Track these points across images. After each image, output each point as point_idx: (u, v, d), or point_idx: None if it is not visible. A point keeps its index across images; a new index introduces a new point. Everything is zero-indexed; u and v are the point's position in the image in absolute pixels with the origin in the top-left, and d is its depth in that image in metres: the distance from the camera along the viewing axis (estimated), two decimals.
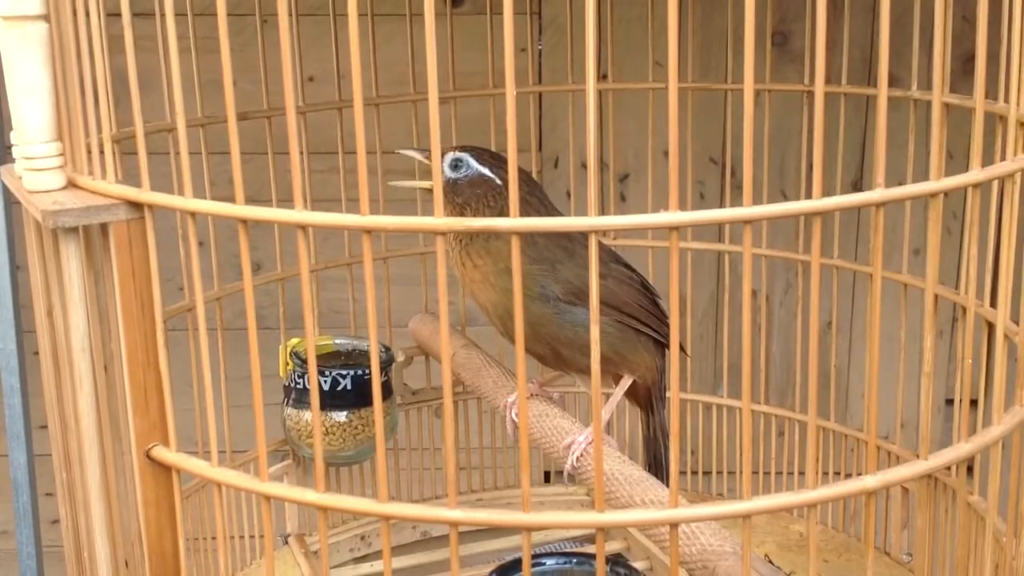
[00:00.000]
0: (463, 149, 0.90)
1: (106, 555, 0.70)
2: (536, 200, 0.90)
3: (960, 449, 0.61)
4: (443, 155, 0.88)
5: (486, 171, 0.88)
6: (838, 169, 1.06)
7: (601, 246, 0.95)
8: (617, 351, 0.91)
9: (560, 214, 0.95)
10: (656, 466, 0.98)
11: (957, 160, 1.39)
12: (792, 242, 1.17)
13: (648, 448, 0.99)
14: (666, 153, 0.53)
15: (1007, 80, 0.71)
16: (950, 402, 1.61)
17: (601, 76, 1.42)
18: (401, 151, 0.92)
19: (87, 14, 0.64)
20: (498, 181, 0.88)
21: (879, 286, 0.57)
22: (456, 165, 0.89)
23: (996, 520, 0.76)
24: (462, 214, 0.88)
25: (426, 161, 0.92)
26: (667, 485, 0.85)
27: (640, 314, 0.91)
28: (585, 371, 0.91)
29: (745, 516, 0.56)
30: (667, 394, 0.98)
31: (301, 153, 1.07)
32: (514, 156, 0.54)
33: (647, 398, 0.96)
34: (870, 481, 0.57)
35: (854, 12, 1.06)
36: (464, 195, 0.88)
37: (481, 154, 0.89)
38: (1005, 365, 0.64)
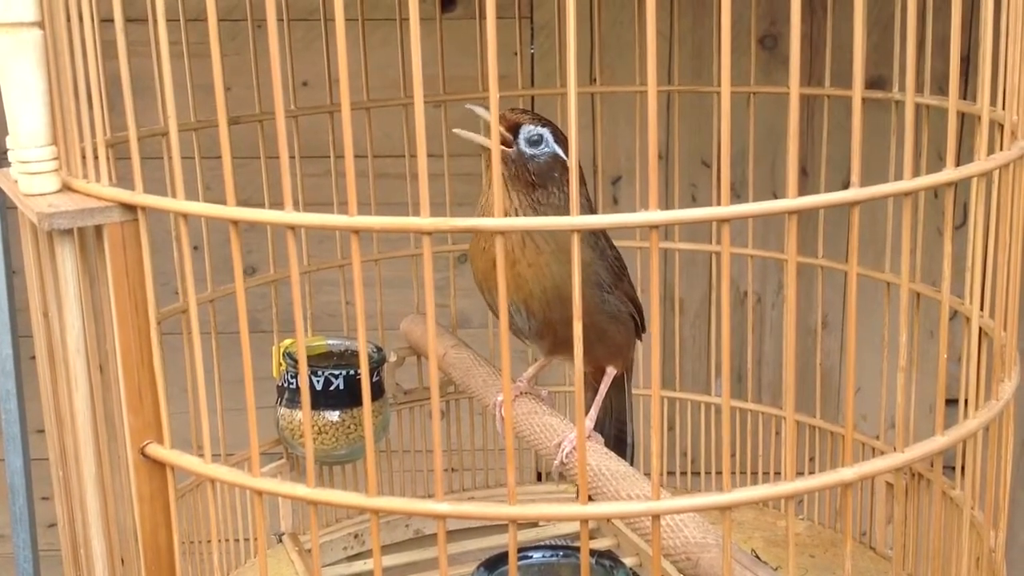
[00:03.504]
0: (541, 121, 0.87)
1: (102, 552, 0.71)
2: (585, 190, 0.90)
3: (936, 442, 0.63)
4: (520, 126, 0.86)
5: (560, 152, 0.86)
6: (822, 168, 1.08)
7: (607, 238, 0.96)
8: (627, 341, 0.94)
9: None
10: (619, 445, 0.99)
11: (946, 161, 1.41)
12: (784, 242, 1.18)
13: (607, 431, 1.00)
14: (660, 156, 0.54)
15: (999, 82, 0.72)
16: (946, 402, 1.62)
17: (590, 80, 1.43)
18: (470, 107, 0.87)
19: (80, 19, 0.65)
20: (569, 164, 0.86)
21: (855, 283, 0.58)
22: (535, 141, 0.86)
23: (975, 512, 0.77)
24: (534, 190, 0.86)
25: (486, 117, 0.85)
26: (630, 462, 0.86)
27: (639, 308, 0.94)
28: (596, 359, 0.94)
29: (725, 508, 0.58)
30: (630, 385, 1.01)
31: (293, 157, 1.09)
32: (498, 157, 0.56)
33: (618, 385, 0.98)
34: (847, 473, 0.58)
35: (842, 15, 1.07)
36: (541, 175, 0.86)
37: (556, 132, 0.87)
38: (977, 359, 0.66)
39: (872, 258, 1.13)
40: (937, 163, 0.79)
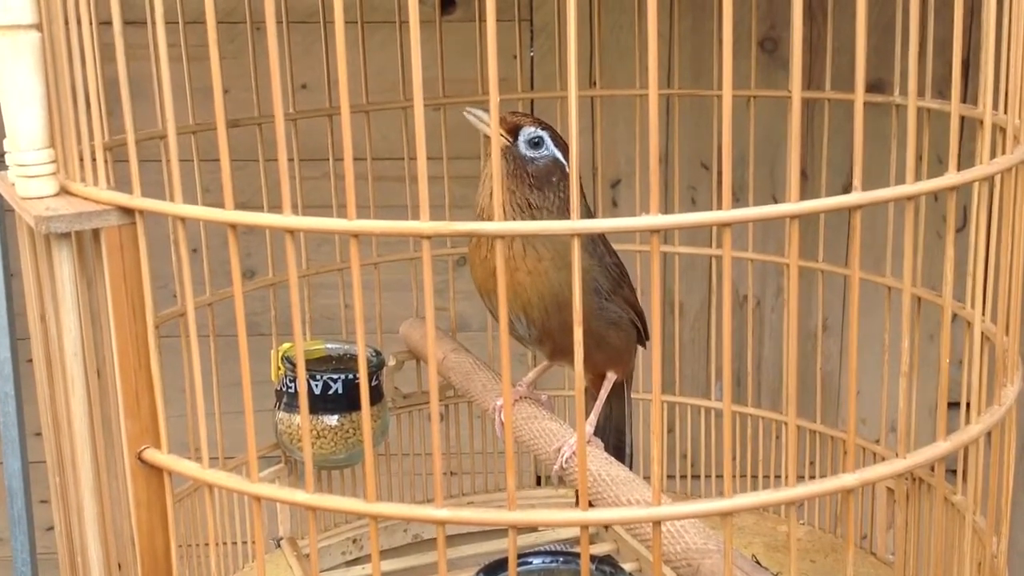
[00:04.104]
0: (541, 124, 0.86)
1: (99, 557, 0.71)
2: (584, 197, 0.90)
3: (939, 447, 0.62)
4: (520, 127, 0.86)
5: (559, 156, 0.86)
6: (823, 172, 1.07)
7: (607, 244, 0.96)
8: (627, 348, 0.93)
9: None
10: (618, 455, 0.99)
11: (946, 164, 1.41)
12: (783, 246, 1.17)
13: (607, 439, 1.00)
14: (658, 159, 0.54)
15: (996, 85, 0.72)
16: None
17: (590, 83, 1.43)
18: (467, 112, 0.86)
19: (79, 22, 0.65)
20: (567, 170, 0.85)
21: (857, 288, 0.58)
22: (536, 143, 0.85)
23: (977, 518, 0.77)
24: (532, 193, 0.85)
25: (482, 122, 0.85)
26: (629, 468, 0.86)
27: (640, 315, 0.93)
28: (596, 365, 0.93)
29: (726, 514, 0.57)
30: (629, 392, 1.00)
31: (291, 160, 1.08)
32: (498, 161, 0.55)
33: (618, 394, 0.98)
34: (849, 479, 0.58)
35: (842, 19, 1.07)
36: (539, 178, 0.85)
37: (555, 136, 0.87)
38: (981, 364, 0.65)
39: (872, 262, 1.12)
40: (936, 166, 0.79)
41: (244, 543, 1.08)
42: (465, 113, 0.85)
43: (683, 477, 1.24)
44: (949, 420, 0.65)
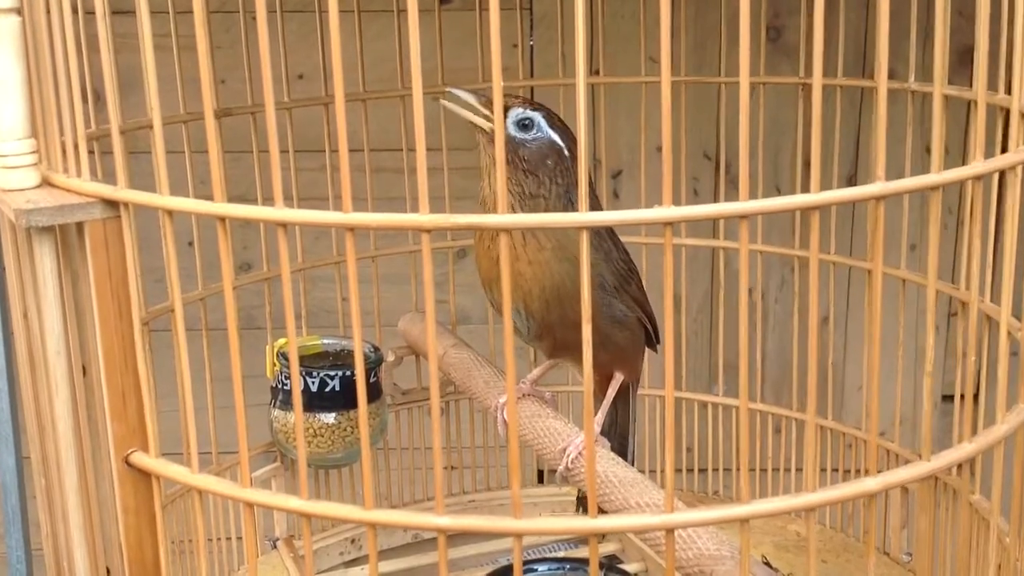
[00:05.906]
0: (532, 105, 0.82)
1: (85, 563, 0.68)
2: (592, 186, 0.87)
3: (963, 449, 0.60)
4: (508, 108, 0.81)
5: (556, 138, 0.82)
6: (834, 163, 1.05)
7: (616, 239, 0.93)
8: (634, 349, 0.90)
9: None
10: (621, 454, 0.96)
11: (953, 154, 1.38)
12: (787, 237, 1.15)
13: (611, 437, 0.97)
14: (659, 149, 0.52)
15: (1009, 71, 0.69)
16: (947, 398, 1.59)
17: (593, 71, 1.40)
18: (450, 90, 0.83)
19: (60, 8, 0.62)
20: (567, 153, 0.81)
21: (879, 282, 0.55)
22: (525, 125, 0.81)
23: (999, 520, 0.74)
24: (526, 178, 0.81)
25: (481, 114, 0.82)
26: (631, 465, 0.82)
27: (650, 316, 0.90)
28: (600, 366, 0.89)
29: (743, 520, 0.55)
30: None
31: (286, 151, 1.06)
32: (502, 153, 0.53)
33: (623, 397, 0.95)
34: (871, 483, 0.55)
35: (849, 5, 1.05)
36: (532, 162, 0.81)
37: (551, 117, 0.82)
38: (1007, 362, 0.62)
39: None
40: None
41: (239, 539, 1.06)
42: (443, 102, 0.82)
43: (689, 471, 1.21)
44: (948, 415, 0.62)
